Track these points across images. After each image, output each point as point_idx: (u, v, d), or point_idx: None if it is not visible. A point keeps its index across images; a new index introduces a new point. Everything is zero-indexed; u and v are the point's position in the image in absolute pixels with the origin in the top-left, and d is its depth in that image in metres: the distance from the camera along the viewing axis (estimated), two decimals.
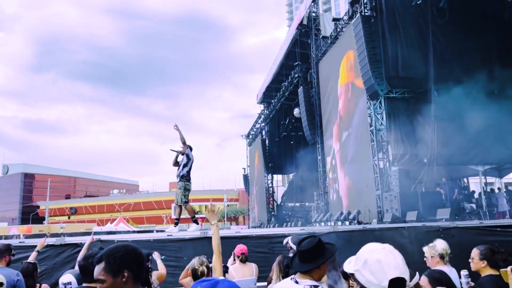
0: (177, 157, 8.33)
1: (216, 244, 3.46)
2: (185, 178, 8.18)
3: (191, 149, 8.37)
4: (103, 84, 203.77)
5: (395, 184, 13.45)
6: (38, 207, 73.67)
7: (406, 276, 1.43)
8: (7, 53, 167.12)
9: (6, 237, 25.71)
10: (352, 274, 1.54)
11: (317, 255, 2.12)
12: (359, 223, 13.06)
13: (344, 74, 17.36)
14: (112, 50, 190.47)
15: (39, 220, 65.44)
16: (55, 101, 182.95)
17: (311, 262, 2.12)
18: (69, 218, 73.91)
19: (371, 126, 14.53)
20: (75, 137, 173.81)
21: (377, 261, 1.45)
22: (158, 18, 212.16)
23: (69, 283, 3.13)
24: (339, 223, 15.11)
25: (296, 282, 2.06)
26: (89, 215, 73.45)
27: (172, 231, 7.82)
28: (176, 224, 8.41)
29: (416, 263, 4.12)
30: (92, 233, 5.38)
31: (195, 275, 3.58)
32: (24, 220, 73.71)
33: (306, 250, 2.12)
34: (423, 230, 7.04)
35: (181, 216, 8.51)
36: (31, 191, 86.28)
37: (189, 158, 8.22)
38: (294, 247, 4.61)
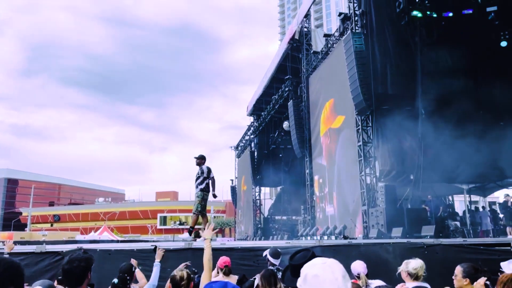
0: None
1: (207, 260, 3.48)
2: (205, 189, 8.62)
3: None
4: (93, 91, 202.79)
5: (381, 200, 13.51)
6: (21, 213, 72.26)
7: None
8: None
9: None
10: None
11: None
12: (345, 238, 13.06)
13: (324, 125, 17.98)
14: (104, 58, 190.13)
15: (21, 227, 64.16)
16: (43, 106, 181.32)
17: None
18: (52, 225, 72.58)
19: (358, 141, 14.65)
20: (62, 144, 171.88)
21: (314, 276, 1.43)
22: (151, 27, 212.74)
23: None
24: (325, 237, 15.09)
25: None
26: (72, 223, 72.22)
27: (187, 239, 8.18)
28: (190, 232, 8.73)
29: (399, 279, 4.14)
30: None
31: (174, 280, 3.49)
32: (5, 227, 72.08)
33: (300, 265, 2.08)
34: (408, 247, 7.06)
35: (168, 227, 8.68)
36: (14, 197, 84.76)
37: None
38: (271, 259, 4.58)
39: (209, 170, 8.54)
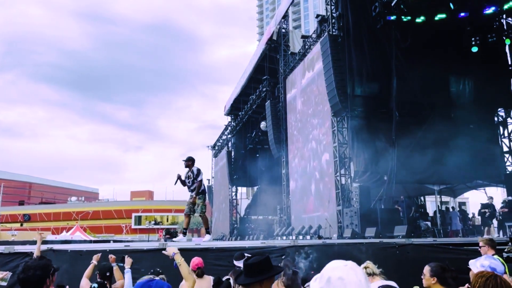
0: (178, 178, 8.55)
1: (187, 273, 3.77)
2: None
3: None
4: (68, 88, 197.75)
5: (356, 200, 13.74)
6: None
7: None
8: None
9: None
10: None
11: (262, 270, 2.15)
12: (320, 237, 13.20)
13: None
14: (79, 54, 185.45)
15: None
16: (14, 102, 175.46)
17: (254, 277, 2.14)
18: (21, 225, 70.37)
19: (334, 142, 14.83)
20: (33, 141, 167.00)
21: (339, 279, 1.46)
22: (129, 24, 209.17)
23: None
24: (301, 237, 15.22)
25: None
26: (44, 222, 70.23)
27: (181, 240, 8.41)
28: (185, 233, 8.84)
29: None
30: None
31: None
32: None
33: (251, 264, 2.16)
34: (380, 246, 7.21)
35: (143, 226, 8.69)
36: None
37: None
38: (236, 263, 4.60)
39: (198, 173, 8.54)
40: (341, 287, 1.45)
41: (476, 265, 3.15)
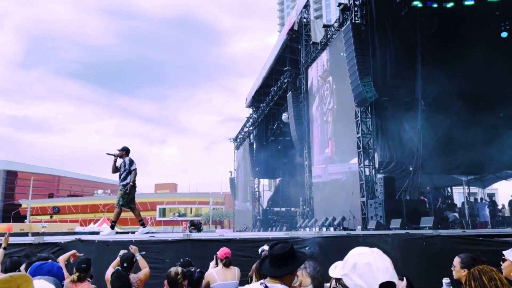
0: (115, 162, 8.12)
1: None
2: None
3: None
4: (92, 83, 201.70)
5: (380, 192, 13.52)
6: (20, 205, 72.30)
7: (396, 280, 1.41)
8: None
9: None
10: (339, 279, 1.50)
11: (290, 260, 2.10)
12: (344, 229, 13.08)
13: None
14: (103, 49, 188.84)
15: (21, 218, 64.18)
16: (42, 98, 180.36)
17: (284, 267, 2.08)
18: (51, 217, 72.61)
19: (358, 133, 14.61)
20: (61, 136, 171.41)
21: (366, 265, 1.41)
22: (150, 19, 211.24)
23: None
24: (324, 229, 15.13)
25: (266, 287, 2.01)
26: (72, 214, 72.31)
27: (110, 234, 7.78)
28: (113, 227, 8.19)
29: (398, 270, 4.14)
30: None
31: (170, 278, 3.52)
32: (5, 219, 72.14)
33: (279, 255, 2.09)
34: (406, 238, 7.07)
35: (167, 218, 8.47)
36: (13, 189, 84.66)
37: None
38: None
39: (130, 162, 8.09)
40: (368, 273, 1.40)
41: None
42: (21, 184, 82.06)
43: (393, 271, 1.43)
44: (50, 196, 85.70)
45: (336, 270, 1.56)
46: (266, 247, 4.74)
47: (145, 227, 8.37)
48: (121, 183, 8.05)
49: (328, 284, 2.73)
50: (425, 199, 14.50)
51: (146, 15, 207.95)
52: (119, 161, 8.13)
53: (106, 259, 5.06)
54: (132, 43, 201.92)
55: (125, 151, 8.15)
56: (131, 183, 7.99)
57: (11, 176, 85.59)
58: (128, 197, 8.08)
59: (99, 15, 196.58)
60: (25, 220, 59.43)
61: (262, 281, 2.06)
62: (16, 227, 43.03)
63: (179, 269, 3.60)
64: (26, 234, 17.42)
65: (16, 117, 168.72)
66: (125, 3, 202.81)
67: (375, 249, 1.50)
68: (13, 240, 6.52)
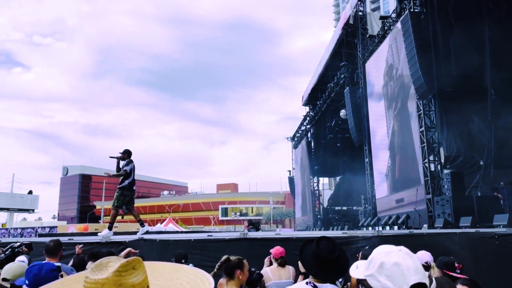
0: (118, 164, 8.25)
1: None
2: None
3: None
4: (156, 89, 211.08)
5: (447, 188, 12.74)
6: (95, 207, 77.47)
7: (427, 282, 1.28)
8: (69, 63, 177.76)
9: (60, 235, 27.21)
10: (362, 280, 1.39)
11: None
12: (408, 228, 12.50)
13: None
14: (164, 57, 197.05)
15: (95, 219, 68.76)
16: (111, 106, 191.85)
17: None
18: (122, 217, 77.01)
19: (421, 127, 13.90)
20: (129, 141, 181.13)
21: (395, 264, 1.29)
22: (208, 24, 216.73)
23: None
24: (387, 227, 14.57)
25: (315, 286, 1.91)
26: (141, 215, 75.78)
27: (106, 235, 7.61)
28: (110, 227, 8.25)
29: (467, 270, 3.84)
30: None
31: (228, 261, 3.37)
32: (81, 219, 77.75)
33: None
34: (477, 237, 6.57)
35: (229, 218, 8.55)
36: (88, 192, 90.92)
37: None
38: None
39: (126, 163, 8.11)
40: (397, 274, 1.28)
41: None
42: (95, 187, 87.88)
43: (423, 271, 1.30)
44: None
45: (358, 270, 1.45)
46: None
47: (144, 226, 8.53)
48: (118, 186, 8.22)
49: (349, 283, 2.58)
50: (499, 195, 13.42)
51: (204, 21, 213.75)
52: (122, 164, 8.32)
53: (166, 257, 5.24)
54: (191, 49, 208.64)
55: (126, 154, 8.30)
56: (125, 189, 8.12)
57: (86, 179, 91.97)
58: (124, 199, 8.24)
59: (160, 25, 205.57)
60: (99, 221, 63.57)
61: (308, 280, 1.98)
62: (91, 227, 46.23)
63: (236, 258, 3.50)
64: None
65: (89, 125, 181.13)
66: (183, 11, 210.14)
67: (403, 247, 1.37)
68: (83, 239, 6.99)
